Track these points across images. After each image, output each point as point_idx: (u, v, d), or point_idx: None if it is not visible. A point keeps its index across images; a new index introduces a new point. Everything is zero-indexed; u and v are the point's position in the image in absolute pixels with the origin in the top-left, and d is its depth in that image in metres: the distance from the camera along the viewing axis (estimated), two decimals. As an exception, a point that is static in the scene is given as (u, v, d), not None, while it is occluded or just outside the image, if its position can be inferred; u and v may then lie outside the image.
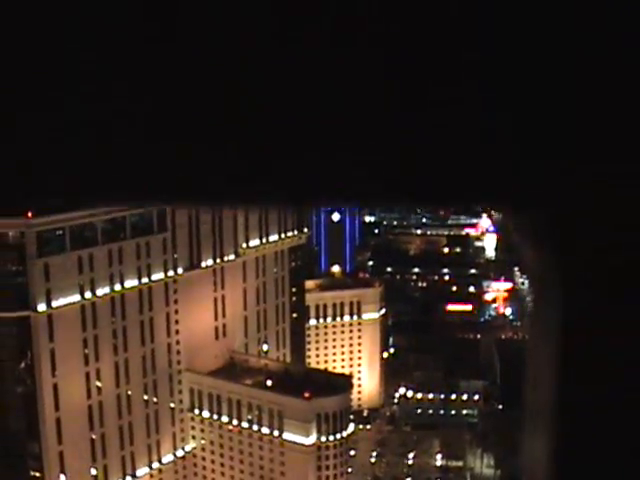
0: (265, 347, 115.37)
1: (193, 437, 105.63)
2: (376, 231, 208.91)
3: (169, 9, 1.55)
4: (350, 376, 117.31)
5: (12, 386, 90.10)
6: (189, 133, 1.65)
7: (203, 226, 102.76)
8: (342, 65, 1.57)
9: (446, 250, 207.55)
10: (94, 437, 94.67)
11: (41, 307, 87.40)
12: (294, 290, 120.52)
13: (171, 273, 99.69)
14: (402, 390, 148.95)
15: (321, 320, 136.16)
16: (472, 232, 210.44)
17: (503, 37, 1.50)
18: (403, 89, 1.58)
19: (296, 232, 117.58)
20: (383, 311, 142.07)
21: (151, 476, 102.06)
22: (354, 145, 1.65)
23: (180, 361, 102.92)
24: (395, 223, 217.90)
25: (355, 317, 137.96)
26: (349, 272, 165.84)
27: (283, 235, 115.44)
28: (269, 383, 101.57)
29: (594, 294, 1.64)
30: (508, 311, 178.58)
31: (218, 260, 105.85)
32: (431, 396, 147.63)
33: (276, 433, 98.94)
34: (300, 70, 1.58)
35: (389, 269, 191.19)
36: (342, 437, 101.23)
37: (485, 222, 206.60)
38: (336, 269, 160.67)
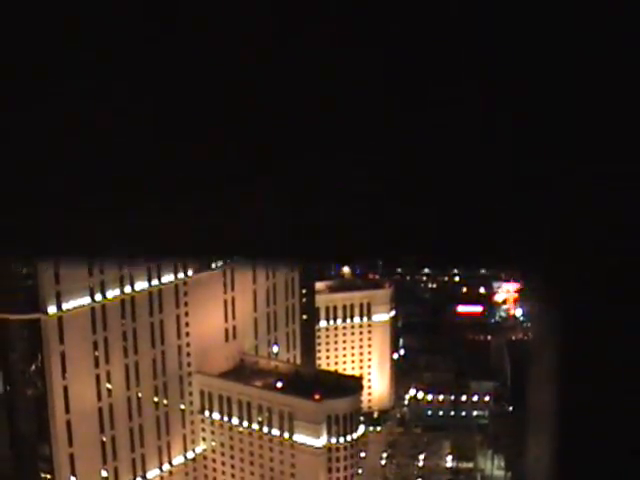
0: (275, 349, 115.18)
1: (203, 439, 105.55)
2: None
3: (169, 9, 1.53)
4: (360, 378, 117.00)
5: (23, 388, 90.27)
6: (189, 133, 1.64)
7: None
8: (342, 65, 1.56)
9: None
10: (104, 439, 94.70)
11: (51, 310, 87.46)
12: (304, 291, 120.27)
13: (181, 275, 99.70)
14: (412, 391, 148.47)
15: (331, 322, 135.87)
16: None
17: (503, 37, 1.48)
18: (403, 89, 1.57)
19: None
20: (393, 312, 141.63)
21: (161, 478, 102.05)
22: (354, 145, 1.63)
23: (190, 363, 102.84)
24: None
25: (365, 319, 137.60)
26: (359, 273, 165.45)
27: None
28: (279, 385, 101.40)
29: (594, 294, 1.63)
30: (519, 312, 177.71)
31: (228, 261, 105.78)
32: (441, 397, 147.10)
33: (286, 435, 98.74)
34: (300, 70, 1.56)
35: (399, 270, 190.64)
36: (352, 439, 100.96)
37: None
38: (346, 270, 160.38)
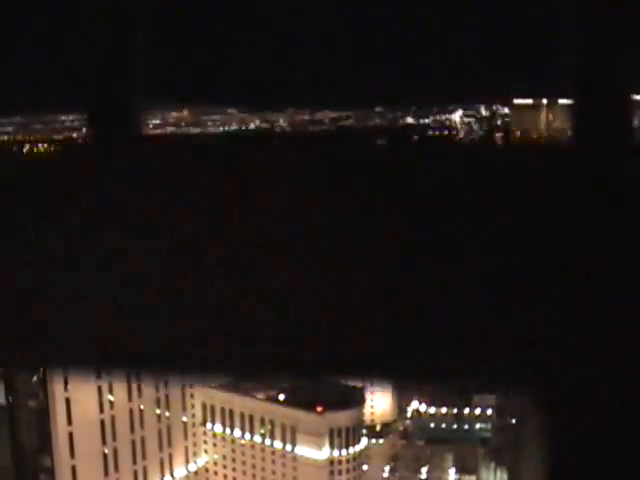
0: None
1: (205, 451, 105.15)
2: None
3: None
4: (363, 389, 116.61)
5: (25, 400, 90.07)
6: None
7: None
8: None
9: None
10: (106, 451, 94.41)
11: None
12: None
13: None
14: (415, 404, 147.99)
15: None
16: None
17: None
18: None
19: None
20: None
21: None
22: None
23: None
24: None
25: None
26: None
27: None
28: (281, 397, 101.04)
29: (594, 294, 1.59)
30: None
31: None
32: (444, 410, 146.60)
33: (289, 447, 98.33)
34: None
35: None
36: (355, 452, 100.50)
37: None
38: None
